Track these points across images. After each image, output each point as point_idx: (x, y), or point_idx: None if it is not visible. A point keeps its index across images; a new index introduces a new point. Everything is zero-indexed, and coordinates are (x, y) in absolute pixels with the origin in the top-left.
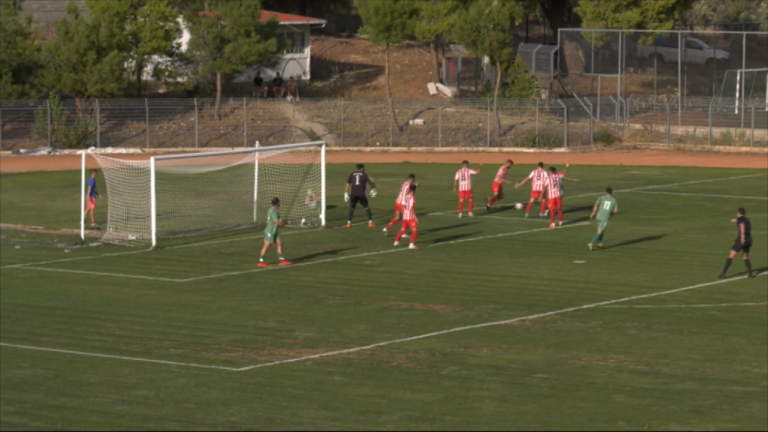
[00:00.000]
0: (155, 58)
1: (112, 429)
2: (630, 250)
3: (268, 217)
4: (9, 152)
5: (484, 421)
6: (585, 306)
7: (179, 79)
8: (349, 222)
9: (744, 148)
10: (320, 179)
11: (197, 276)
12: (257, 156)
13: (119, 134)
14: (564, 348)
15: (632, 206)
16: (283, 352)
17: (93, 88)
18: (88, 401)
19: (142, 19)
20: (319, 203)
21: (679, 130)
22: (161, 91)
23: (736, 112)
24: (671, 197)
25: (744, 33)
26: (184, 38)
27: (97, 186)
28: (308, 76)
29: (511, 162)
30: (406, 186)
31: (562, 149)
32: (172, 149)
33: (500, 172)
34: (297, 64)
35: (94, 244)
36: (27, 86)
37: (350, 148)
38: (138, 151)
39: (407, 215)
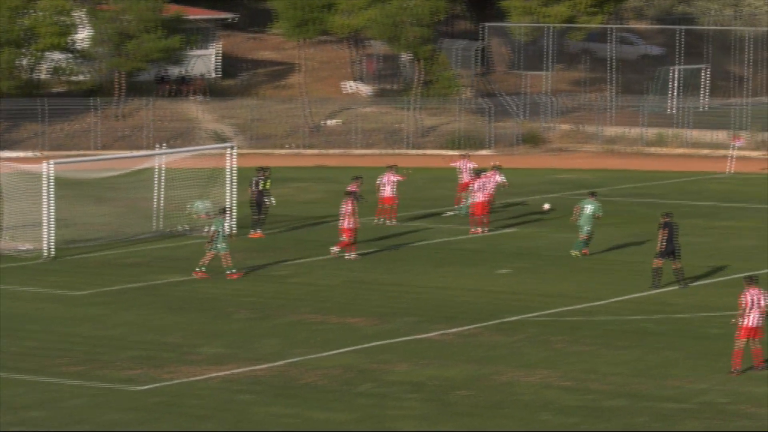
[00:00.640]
0: (53, 54)
1: None
2: (558, 259)
3: (214, 227)
4: None
5: None
6: (509, 318)
7: (78, 78)
8: (257, 231)
9: (679, 150)
10: (227, 184)
11: (95, 288)
12: (161, 160)
13: (14, 136)
14: (487, 363)
15: (560, 212)
16: (187, 370)
17: None
18: None
19: (41, 14)
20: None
21: (611, 130)
22: (59, 90)
23: (671, 111)
24: (602, 202)
25: (680, 28)
26: (85, 34)
27: None
28: (217, 74)
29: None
30: (391, 176)
31: (487, 151)
32: (70, 152)
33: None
34: (204, 61)
35: None
36: None
37: (261, 150)
38: (34, 154)
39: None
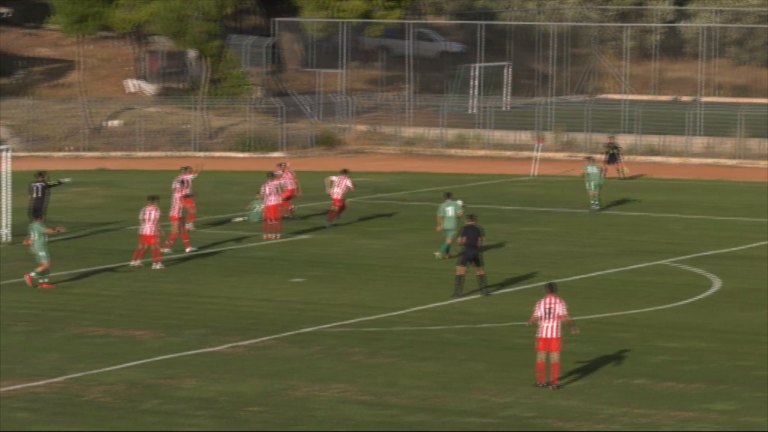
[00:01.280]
0: None
1: None
2: (355, 267)
3: (34, 234)
4: None
5: None
6: (305, 330)
7: None
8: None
9: (481, 152)
10: (2, 189)
11: None
12: None
13: None
14: (281, 377)
15: (357, 217)
16: None
17: None
18: None
19: None
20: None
21: (410, 131)
22: None
23: (472, 111)
24: (401, 207)
25: (480, 23)
26: None
27: None
28: None
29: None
30: (344, 179)
31: (279, 153)
32: None
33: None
34: None
35: None
36: None
37: (38, 153)
38: None
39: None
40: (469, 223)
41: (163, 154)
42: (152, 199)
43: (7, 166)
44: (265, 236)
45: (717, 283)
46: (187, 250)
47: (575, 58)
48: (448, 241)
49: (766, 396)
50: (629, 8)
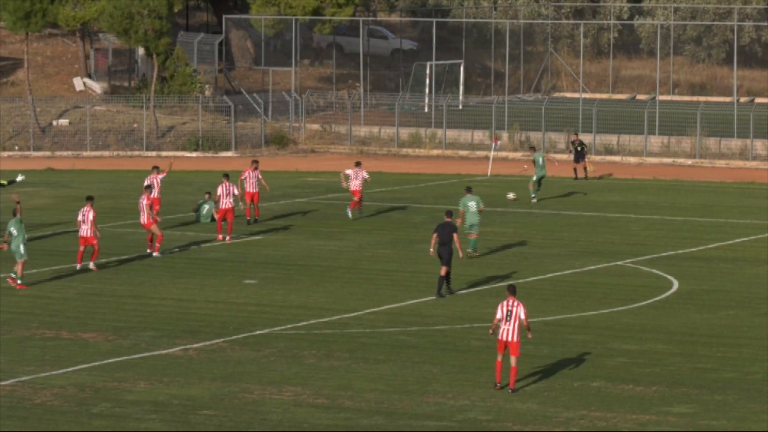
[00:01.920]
0: None
1: None
2: (308, 268)
3: (13, 231)
4: None
5: None
6: (257, 332)
7: None
8: None
9: (435, 151)
10: None
11: None
12: None
13: None
14: (233, 380)
15: (309, 218)
16: None
17: None
18: None
19: None
20: None
21: (362, 130)
22: None
23: (426, 110)
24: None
25: (434, 20)
26: None
27: None
28: None
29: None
30: (360, 171)
31: (230, 153)
32: None
33: None
34: None
35: None
36: None
37: None
38: None
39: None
40: (447, 220)
41: (111, 153)
42: (89, 199)
43: None
44: (219, 237)
45: (674, 285)
46: (155, 254)
47: (530, 56)
48: (474, 236)
49: (725, 399)
50: (584, 5)
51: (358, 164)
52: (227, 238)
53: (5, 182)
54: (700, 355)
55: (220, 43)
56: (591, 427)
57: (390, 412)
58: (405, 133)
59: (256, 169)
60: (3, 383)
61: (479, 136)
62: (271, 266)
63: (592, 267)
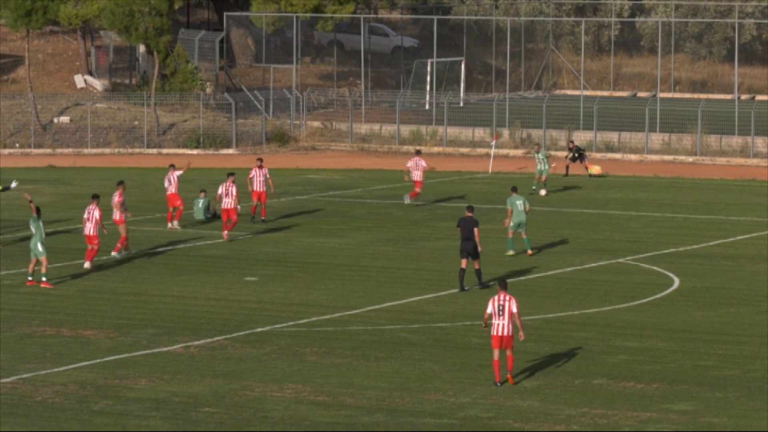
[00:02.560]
0: None
1: None
2: (309, 266)
3: (33, 228)
4: None
5: None
6: (258, 329)
7: None
8: None
9: (436, 149)
10: None
11: None
12: None
13: None
14: (234, 378)
15: (311, 215)
16: None
17: None
18: None
19: None
20: None
21: (363, 128)
22: None
23: (427, 107)
24: (355, 204)
25: (435, 18)
26: None
27: None
28: None
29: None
30: (419, 160)
31: (231, 150)
32: None
33: None
34: None
35: None
36: None
37: None
38: None
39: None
40: (468, 215)
41: (112, 151)
42: (95, 197)
43: None
44: (225, 234)
45: (675, 282)
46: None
47: (531, 54)
48: (525, 235)
49: (726, 396)
50: (585, 2)
51: (418, 152)
52: (224, 234)
53: (0, 188)
54: (701, 352)
55: (221, 41)
56: (592, 425)
57: (391, 409)
58: (406, 130)
59: (261, 167)
60: (4, 381)
61: (480, 133)
62: (272, 263)
63: (593, 264)
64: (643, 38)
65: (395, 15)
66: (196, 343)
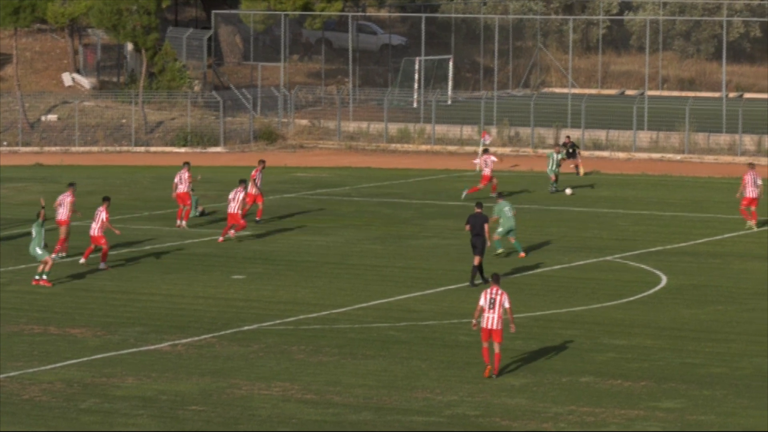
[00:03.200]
0: None
1: None
2: (296, 264)
3: (33, 232)
4: None
5: None
6: (246, 327)
7: None
8: None
9: (424, 147)
10: None
11: None
12: None
13: None
14: (222, 376)
15: (298, 213)
16: None
17: None
18: None
19: None
20: None
21: (351, 126)
22: None
23: (415, 105)
24: (342, 202)
25: (423, 15)
26: None
27: None
28: None
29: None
30: (487, 157)
31: (219, 148)
32: None
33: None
34: None
35: None
36: None
37: None
38: None
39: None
40: (477, 211)
41: (100, 149)
42: (105, 199)
43: None
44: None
45: (663, 280)
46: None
47: (519, 52)
48: (513, 240)
49: (713, 394)
50: (573, 0)
51: (486, 151)
52: (220, 239)
53: None
54: (689, 350)
55: (209, 39)
56: (579, 422)
57: (378, 407)
58: (394, 128)
59: (263, 168)
60: None
61: (468, 131)
62: (260, 262)
63: (581, 262)
64: (631, 36)
65: (383, 13)
66: (184, 341)
